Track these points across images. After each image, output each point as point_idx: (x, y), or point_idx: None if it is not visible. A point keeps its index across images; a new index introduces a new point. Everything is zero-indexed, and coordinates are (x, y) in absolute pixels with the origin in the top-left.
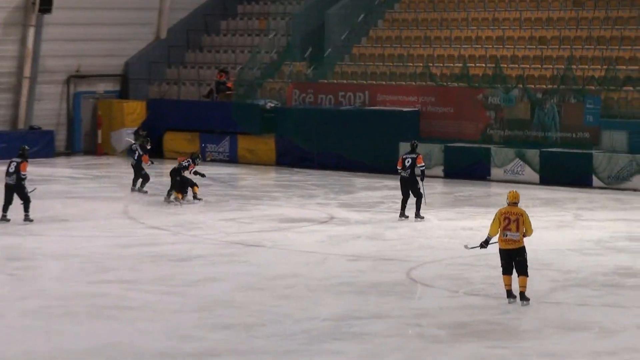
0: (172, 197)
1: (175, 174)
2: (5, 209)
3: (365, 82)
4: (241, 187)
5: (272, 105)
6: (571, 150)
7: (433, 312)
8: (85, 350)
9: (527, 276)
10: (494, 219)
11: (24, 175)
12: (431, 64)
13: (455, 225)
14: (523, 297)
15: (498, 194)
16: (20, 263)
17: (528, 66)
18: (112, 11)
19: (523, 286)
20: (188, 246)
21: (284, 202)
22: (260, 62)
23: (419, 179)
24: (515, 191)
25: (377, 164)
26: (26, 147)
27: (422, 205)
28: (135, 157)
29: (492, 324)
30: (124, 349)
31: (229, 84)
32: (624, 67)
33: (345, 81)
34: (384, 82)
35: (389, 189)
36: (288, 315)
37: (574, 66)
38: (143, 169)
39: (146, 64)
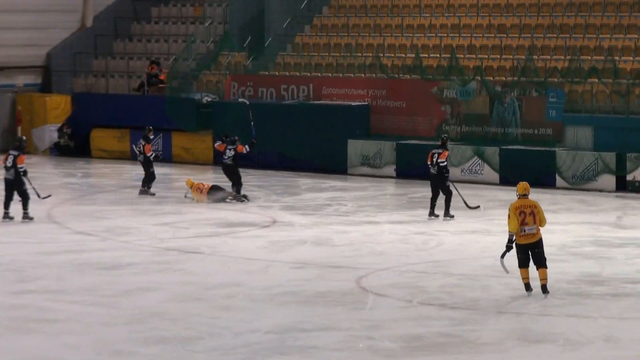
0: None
1: (229, 170)
2: (6, 205)
3: (309, 74)
4: (176, 188)
5: (209, 99)
6: (533, 148)
7: (385, 323)
8: None
9: (547, 267)
10: (509, 216)
11: (21, 168)
12: (381, 55)
13: (408, 229)
14: (545, 289)
15: (455, 196)
16: None
17: (486, 57)
18: None
19: (544, 279)
20: (118, 253)
21: (222, 205)
22: (195, 53)
23: (447, 175)
24: (525, 183)
25: (323, 163)
26: (23, 138)
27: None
28: (142, 153)
29: (450, 336)
30: None
31: (162, 77)
32: (589, 57)
33: (287, 73)
34: (330, 74)
35: (336, 190)
36: (228, 328)
37: (536, 56)
38: (152, 167)
39: (70, 55)
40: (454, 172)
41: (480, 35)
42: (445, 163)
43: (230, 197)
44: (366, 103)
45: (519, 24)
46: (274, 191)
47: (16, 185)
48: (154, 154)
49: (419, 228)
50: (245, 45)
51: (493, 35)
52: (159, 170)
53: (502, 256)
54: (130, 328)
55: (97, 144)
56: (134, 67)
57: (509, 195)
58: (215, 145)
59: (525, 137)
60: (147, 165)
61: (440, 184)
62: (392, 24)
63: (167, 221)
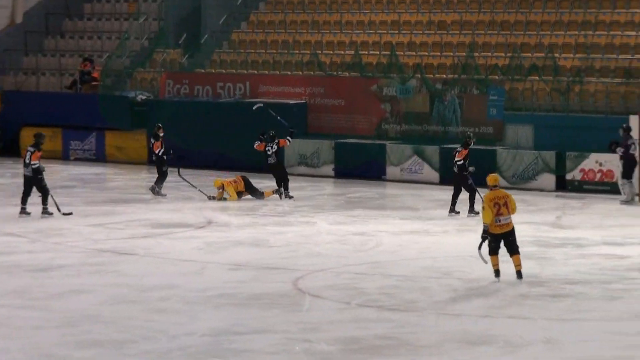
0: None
1: (275, 168)
2: (23, 201)
3: (246, 71)
4: (110, 188)
5: (144, 97)
6: (474, 147)
7: (323, 325)
8: None
9: (520, 254)
10: (484, 208)
11: (34, 164)
12: (319, 52)
13: (346, 230)
14: (520, 275)
15: (394, 195)
16: None
17: (426, 54)
18: None
19: (519, 264)
20: (49, 255)
21: (157, 205)
22: (129, 50)
23: (467, 174)
24: (495, 174)
25: (260, 162)
26: (42, 134)
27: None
28: (155, 152)
29: (388, 339)
30: None
31: (95, 74)
32: (530, 54)
33: (224, 71)
34: (267, 72)
35: (271, 189)
36: (163, 331)
37: (476, 54)
38: (164, 166)
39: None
40: (392, 172)
41: (420, 32)
42: (463, 162)
43: (278, 194)
44: (304, 101)
45: (459, 20)
46: (209, 191)
47: (34, 181)
48: (163, 150)
49: (357, 228)
50: (180, 42)
51: (433, 32)
52: (92, 170)
53: (480, 247)
54: (62, 331)
55: (28, 143)
56: (66, 65)
57: (449, 195)
58: (255, 146)
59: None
60: (159, 163)
61: (461, 182)
62: (330, 21)
63: (100, 222)
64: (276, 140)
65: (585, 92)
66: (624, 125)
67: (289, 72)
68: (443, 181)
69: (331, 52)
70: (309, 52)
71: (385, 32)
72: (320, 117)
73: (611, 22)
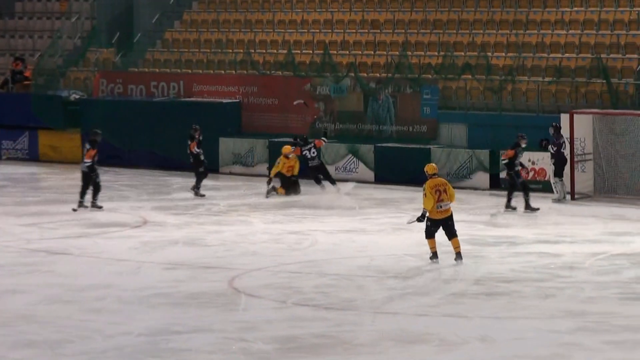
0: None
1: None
2: (81, 195)
3: (179, 70)
4: (43, 188)
5: (77, 96)
6: (408, 146)
7: (259, 325)
8: None
9: (457, 237)
10: (426, 195)
11: (87, 162)
12: (253, 51)
13: (281, 228)
14: (459, 256)
15: (315, 194)
16: None
17: (360, 53)
18: None
19: (458, 247)
20: None
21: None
22: (62, 49)
23: (512, 174)
24: (433, 164)
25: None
26: (97, 131)
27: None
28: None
29: (325, 337)
30: None
31: (27, 73)
32: (462, 53)
33: (157, 70)
34: (200, 71)
35: (208, 189)
36: (98, 331)
37: (410, 52)
38: (201, 165)
39: None
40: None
41: (354, 30)
42: (508, 161)
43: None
44: (237, 100)
45: (392, 19)
46: (145, 190)
47: (88, 177)
48: (198, 152)
49: (292, 227)
50: (113, 41)
51: (366, 31)
52: (25, 169)
53: (409, 222)
54: None
55: None
56: None
57: (385, 193)
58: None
59: (400, 134)
60: (196, 164)
61: (510, 181)
62: (263, 20)
63: (33, 221)
64: (312, 142)
65: (518, 90)
66: (554, 124)
67: (223, 72)
68: (378, 179)
69: (264, 51)
70: (242, 51)
71: (318, 31)
72: (254, 116)
73: (542, 21)
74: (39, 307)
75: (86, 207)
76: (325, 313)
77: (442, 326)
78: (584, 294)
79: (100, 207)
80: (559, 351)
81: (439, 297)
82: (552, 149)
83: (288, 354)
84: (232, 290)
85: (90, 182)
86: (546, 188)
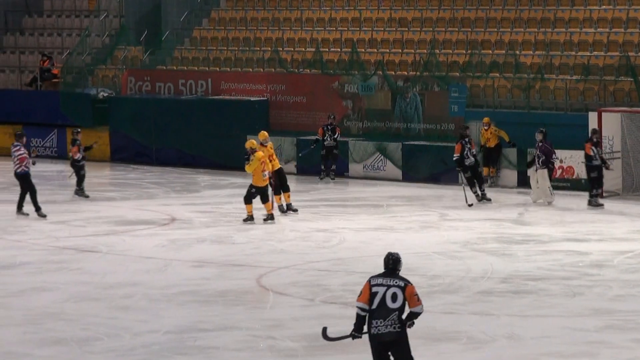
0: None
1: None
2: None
3: (207, 68)
4: (71, 186)
5: (105, 94)
6: (436, 144)
7: (287, 322)
8: None
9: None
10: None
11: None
12: (280, 49)
13: (309, 226)
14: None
15: (357, 192)
16: None
17: (388, 51)
18: None
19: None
20: (10, 252)
21: (120, 202)
22: (90, 47)
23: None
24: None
25: (223, 159)
26: (75, 130)
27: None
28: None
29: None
30: None
31: (55, 71)
32: (490, 51)
33: (185, 68)
34: (228, 69)
35: (236, 187)
36: (126, 328)
37: (437, 50)
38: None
39: None
40: (355, 169)
41: (382, 29)
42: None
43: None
44: (265, 98)
45: (420, 17)
46: (172, 188)
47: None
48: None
49: (320, 225)
50: (141, 39)
51: (394, 29)
52: (54, 167)
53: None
54: (23, 329)
55: None
56: (25, 62)
57: (412, 191)
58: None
59: (427, 132)
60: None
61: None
62: (291, 18)
63: (62, 219)
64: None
65: (546, 89)
66: (542, 129)
67: (251, 69)
68: (405, 178)
69: (292, 49)
70: (270, 49)
71: (346, 29)
72: (282, 113)
73: (570, 19)
74: (67, 304)
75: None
76: (352, 311)
77: (470, 324)
78: (611, 292)
79: (87, 196)
80: (586, 349)
81: (466, 295)
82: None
83: (315, 351)
84: (260, 288)
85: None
86: (575, 186)
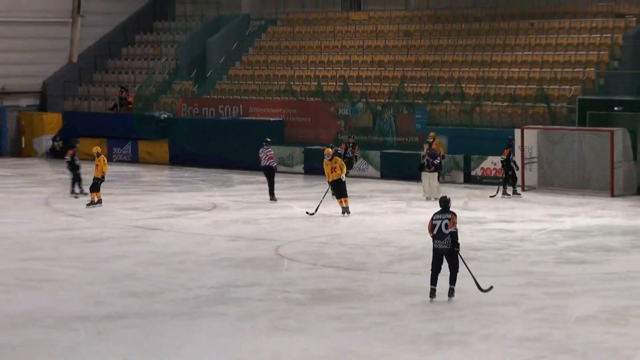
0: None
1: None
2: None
3: (239, 97)
4: (141, 182)
5: (165, 116)
6: (405, 152)
7: (297, 280)
8: (14, 314)
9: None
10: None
11: (67, 158)
12: (292, 83)
13: (320, 211)
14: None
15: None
16: None
17: (370, 84)
18: (31, 40)
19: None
20: (99, 230)
21: (176, 194)
22: (155, 81)
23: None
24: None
25: (250, 163)
26: (76, 139)
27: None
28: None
29: (344, 290)
30: (48, 313)
31: (130, 99)
32: (444, 85)
33: (223, 97)
34: (254, 98)
35: (260, 183)
36: (181, 285)
37: (406, 84)
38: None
39: (61, 83)
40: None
41: (365, 69)
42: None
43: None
44: (281, 119)
45: (393, 60)
46: (214, 184)
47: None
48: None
49: (321, 211)
50: (192, 75)
51: (375, 68)
52: (129, 168)
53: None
54: (109, 286)
55: (83, 149)
56: (109, 93)
57: (388, 186)
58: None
59: (399, 143)
60: (72, 169)
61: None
62: (300, 60)
63: (135, 206)
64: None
65: (484, 112)
66: (428, 140)
67: (270, 98)
68: (383, 176)
69: (300, 83)
70: (284, 83)
71: (339, 69)
72: (293, 130)
73: (501, 61)
74: (139, 268)
75: (77, 193)
76: (344, 272)
77: (429, 282)
78: (530, 259)
79: (76, 195)
80: (512, 300)
81: (426, 261)
82: (435, 161)
83: (318, 302)
84: (278, 256)
85: (72, 172)
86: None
